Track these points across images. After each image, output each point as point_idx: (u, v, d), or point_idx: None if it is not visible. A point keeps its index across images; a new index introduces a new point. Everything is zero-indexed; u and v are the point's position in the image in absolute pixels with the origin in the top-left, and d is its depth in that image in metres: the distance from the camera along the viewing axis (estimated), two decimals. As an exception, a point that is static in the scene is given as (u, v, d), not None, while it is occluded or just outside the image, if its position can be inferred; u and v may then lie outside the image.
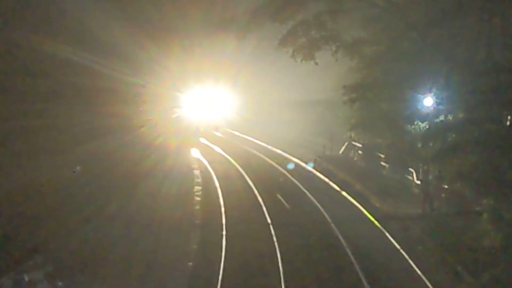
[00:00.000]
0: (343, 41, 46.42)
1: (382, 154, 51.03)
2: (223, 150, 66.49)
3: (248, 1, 49.69)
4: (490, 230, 30.69)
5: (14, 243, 26.81)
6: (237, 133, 79.05)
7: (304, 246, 32.34)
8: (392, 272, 28.78)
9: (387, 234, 34.10)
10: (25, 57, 31.12)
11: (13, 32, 30.15)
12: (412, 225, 35.38)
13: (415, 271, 28.38)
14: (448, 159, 36.94)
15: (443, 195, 38.57)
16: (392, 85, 44.09)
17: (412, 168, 44.39)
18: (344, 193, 45.10)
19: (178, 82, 64.08)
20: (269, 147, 68.45)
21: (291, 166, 56.45)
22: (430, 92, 39.19)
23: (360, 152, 57.48)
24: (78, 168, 24.63)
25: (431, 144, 39.48)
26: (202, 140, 73.26)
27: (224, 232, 34.14)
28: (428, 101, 39.52)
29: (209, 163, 57.67)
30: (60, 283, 24.75)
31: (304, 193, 45.44)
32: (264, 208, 39.93)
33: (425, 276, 27.53)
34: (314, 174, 52.97)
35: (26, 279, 24.31)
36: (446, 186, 38.49)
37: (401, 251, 31.22)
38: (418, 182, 42.31)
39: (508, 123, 33.44)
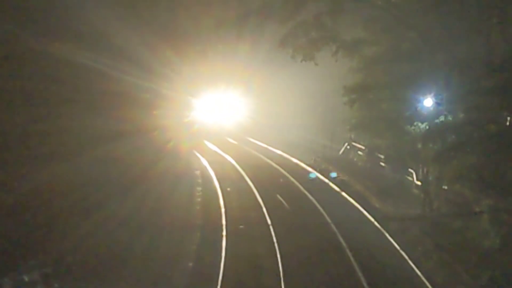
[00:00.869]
0: (343, 42, 46.26)
1: (382, 154, 50.96)
2: (235, 159, 57.95)
3: (261, 5, 49.32)
4: (489, 231, 30.68)
5: (25, 245, 26.69)
6: (251, 139, 73.89)
7: (304, 246, 32.29)
8: (391, 272, 28.77)
9: (387, 235, 34.01)
10: (40, 62, 30.98)
11: (29, 38, 30.03)
12: (412, 225, 35.27)
13: (414, 271, 28.35)
14: (448, 160, 36.90)
15: (442, 195, 38.41)
16: (392, 86, 43.85)
17: (412, 168, 44.28)
18: (344, 193, 45.00)
19: (191, 86, 62.78)
20: (284, 155, 63.64)
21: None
22: (430, 92, 39.02)
23: (360, 152, 57.43)
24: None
25: (431, 144, 39.36)
26: (213, 147, 67.41)
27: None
28: (428, 102, 39.41)
29: (219, 179, 49.60)
30: (56, 285, 24.51)
31: (305, 194, 45.08)
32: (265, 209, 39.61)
33: (425, 277, 27.54)
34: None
35: (26, 279, 24.10)
36: (445, 187, 38.38)
37: (401, 251, 31.14)
38: (418, 182, 42.21)
39: (508, 124, 33.35)
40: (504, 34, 33.47)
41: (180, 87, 57.46)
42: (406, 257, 30.30)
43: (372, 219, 37.30)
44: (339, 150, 61.29)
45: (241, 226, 35.81)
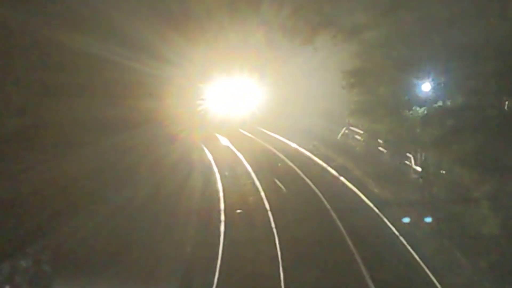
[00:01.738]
0: (342, 26, 45.86)
1: (381, 139, 50.60)
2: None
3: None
4: (489, 216, 30.43)
5: (36, 232, 26.56)
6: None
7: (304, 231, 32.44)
8: (391, 257, 28.65)
9: (386, 220, 33.77)
10: (53, 52, 30.80)
11: (42, 28, 29.69)
12: (411, 211, 34.94)
13: (413, 257, 28.05)
14: (447, 145, 36.64)
15: (441, 181, 38.10)
16: (390, 70, 43.29)
17: (410, 153, 43.94)
18: (342, 178, 44.72)
19: (203, 75, 61.54)
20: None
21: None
22: (429, 77, 38.94)
23: (358, 137, 57.03)
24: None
25: (429, 129, 38.91)
26: (224, 141, 61.25)
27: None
28: (426, 86, 39.29)
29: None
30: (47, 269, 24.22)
31: (303, 178, 45.09)
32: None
33: (423, 262, 27.27)
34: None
35: (24, 264, 23.85)
36: (444, 172, 38.06)
37: (400, 237, 30.86)
38: (417, 167, 41.86)
39: (506, 108, 33.07)
40: (505, 17, 32.92)
41: (192, 75, 57.04)
42: (405, 242, 30.02)
43: (371, 204, 37.02)
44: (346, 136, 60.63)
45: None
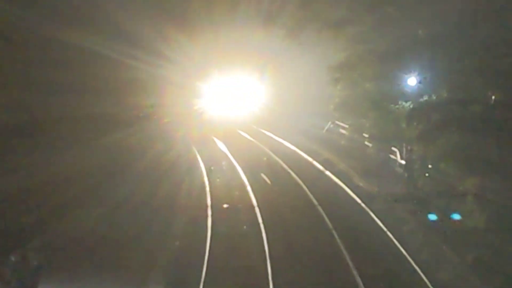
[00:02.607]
0: (327, 21, 45.69)
1: (366, 134, 50.48)
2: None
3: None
4: (474, 210, 30.42)
5: (31, 228, 26.42)
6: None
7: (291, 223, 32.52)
8: (377, 252, 28.50)
9: (371, 214, 33.69)
10: (54, 49, 30.48)
11: (42, 25, 29.28)
12: (396, 205, 34.89)
13: (400, 251, 27.97)
14: (432, 139, 36.67)
15: (427, 174, 38.09)
16: (376, 65, 43.23)
17: (396, 147, 43.90)
18: (328, 172, 44.67)
19: (201, 73, 61.52)
20: (287, 144, 57.65)
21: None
22: (414, 71, 38.92)
23: (343, 131, 56.87)
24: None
25: (415, 123, 38.80)
26: (220, 145, 55.39)
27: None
28: (412, 81, 39.26)
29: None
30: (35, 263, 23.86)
31: (289, 173, 44.97)
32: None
33: (410, 256, 27.17)
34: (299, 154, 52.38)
35: (13, 259, 23.56)
36: (430, 166, 38.03)
37: (386, 231, 30.78)
38: (402, 161, 41.85)
39: (492, 103, 33.04)
40: (490, 11, 32.78)
41: (190, 73, 57.17)
42: (391, 236, 29.92)
43: (356, 198, 36.95)
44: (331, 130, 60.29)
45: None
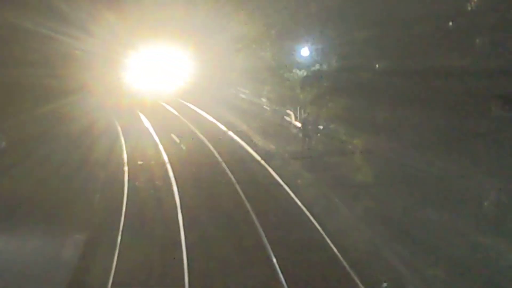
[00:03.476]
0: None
1: (264, 98, 49.21)
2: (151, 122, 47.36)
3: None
4: (362, 166, 29.64)
5: None
6: (190, 105, 57.55)
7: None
8: (274, 203, 27.09)
9: (270, 169, 32.26)
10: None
11: None
12: (292, 162, 33.65)
13: (295, 202, 26.54)
14: (324, 103, 36.14)
15: (319, 135, 37.06)
16: (273, 37, 42.34)
17: (291, 111, 42.71)
18: (230, 132, 43.12)
19: (130, 49, 58.28)
20: (194, 107, 56.05)
21: None
22: (307, 43, 37.93)
23: (243, 96, 55.42)
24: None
25: (308, 89, 38.01)
26: (145, 121, 49.62)
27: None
28: (305, 51, 38.53)
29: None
30: None
31: (196, 133, 43.37)
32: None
33: (305, 207, 25.71)
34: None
35: None
36: (321, 127, 37.02)
37: (283, 185, 29.31)
38: (297, 123, 40.69)
39: (376, 70, 32.35)
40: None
41: (120, 49, 55.23)
42: (288, 189, 28.45)
43: (256, 156, 35.50)
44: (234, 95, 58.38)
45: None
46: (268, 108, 47.69)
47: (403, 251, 20.46)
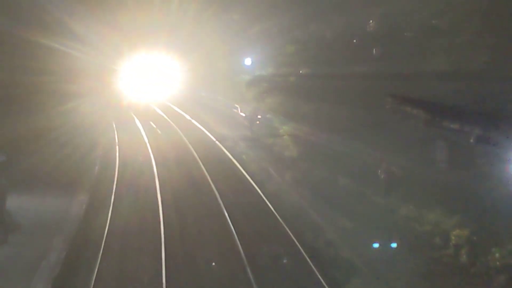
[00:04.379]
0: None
1: (219, 96, 47.88)
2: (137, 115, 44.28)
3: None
4: (290, 146, 29.02)
5: None
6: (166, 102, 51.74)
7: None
8: (225, 173, 25.76)
9: (223, 148, 31.04)
10: (22, 44, 27.65)
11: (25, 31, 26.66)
12: (240, 143, 32.56)
13: (242, 173, 25.54)
14: (262, 99, 35.54)
15: (258, 122, 36.17)
16: (225, 50, 42.29)
17: (238, 105, 41.72)
18: (194, 121, 41.79)
19: (120, 58, 51.68)
20: (169, 103, 51.76)
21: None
22: (251, 55, 38.03)
23: (203, 94, 53.84)
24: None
25: (251, 89, 37.63)
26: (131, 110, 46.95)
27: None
28: (248, 61, 38.54)
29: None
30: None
31: (169, 122, 41.75)
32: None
33: (249, 175, 24.70)
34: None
35: None
36: (260, 117, 36.17)
37: (232, 159, 28.27)
38: (242, 114, 39.72)
39: (300, 74, 32.00)
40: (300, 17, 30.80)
41: (118, 60, 50.96)
42: (236, 163, 27.40)
43: (213, 138, 34.30)
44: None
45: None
46: (221, 103, 46.47)
47: (321, 208, 19.87)
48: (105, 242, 16.79)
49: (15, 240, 16.60)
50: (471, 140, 11.96)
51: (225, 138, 33.82)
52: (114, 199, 21.21)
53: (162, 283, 14.00)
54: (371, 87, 22.17)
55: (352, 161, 22.91)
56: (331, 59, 27.39)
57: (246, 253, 15.82)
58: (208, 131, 36.32)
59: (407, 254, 15.64)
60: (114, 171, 26.03)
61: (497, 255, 13.85)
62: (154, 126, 39.72)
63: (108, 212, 19.66)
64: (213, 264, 15.67)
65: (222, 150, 30.59)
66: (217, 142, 32.66)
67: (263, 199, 21.11)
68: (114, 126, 39.38)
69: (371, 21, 23.48)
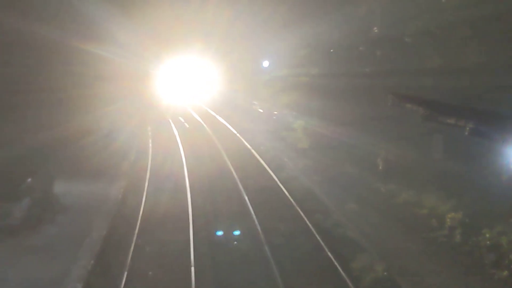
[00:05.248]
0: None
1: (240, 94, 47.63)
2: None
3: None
4: (302, 138, 28.81)
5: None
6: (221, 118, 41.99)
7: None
8: (244, 159, 26.07)
9: (243, 140, 31.03)
10: (66, 52, 25.70)
11: (57, 34, 23.85)
12: (258, 135, 32.48)
13: (258, 161, 25.52)
14: (278, 97, 35.22)
15: (274, 117, 36.05)
16: (244, 53, 42.11)
17: (256, 102, 41.52)
18: (218, 116, 41.80)
19: (163, 64, 49.36)
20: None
21: None
22: (267, 58, 38.06)
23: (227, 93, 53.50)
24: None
25: (267, 88, 37.42)
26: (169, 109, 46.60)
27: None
28: (266, 63, 38.54)
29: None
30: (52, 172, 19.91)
31: (196, 118, 41.91)
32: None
33: (265, 162, 24.72)
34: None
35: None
36: (276, 112, 36.03)
37: (251, 149, 28.25)
38: (261, 110, 39.59)
39: (313, 75, 31.52)
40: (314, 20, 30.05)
41: (155, 64, 48.59)
42: (254, 152, 27.34)
43: (234, 131, 34.25)
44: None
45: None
46: (241, 100, 46.35)
47: (330, 191, 19.71)
48: (140, 220, 17.02)
49: (62, 220, 16.73)
50: (466, 133, 11.67)
51: (244, 131, 33.78)
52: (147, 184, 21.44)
53: (190, 257, 13.99)
54: (374, 85, 21.82)
55: (357, 151, 22.71)
56: (339, 60, 27.12)
57: (263, 230, 15.81)
58: (229, 124, 36.49)
59: (406, 234, 15.47)
60: (148, 156, 26.88)
61: (487, 235, 13.64)
62: (182, 120, 40.11)
63: (143, 192, 20.21)
64: (235, 243, 15.66)
65: (242, 141, 30.68)
66: (237, 134, 32.77)
67: (276, 182, 21.08)
68: (151, 116, 40.14)
69: (375, 28, 23.06)
